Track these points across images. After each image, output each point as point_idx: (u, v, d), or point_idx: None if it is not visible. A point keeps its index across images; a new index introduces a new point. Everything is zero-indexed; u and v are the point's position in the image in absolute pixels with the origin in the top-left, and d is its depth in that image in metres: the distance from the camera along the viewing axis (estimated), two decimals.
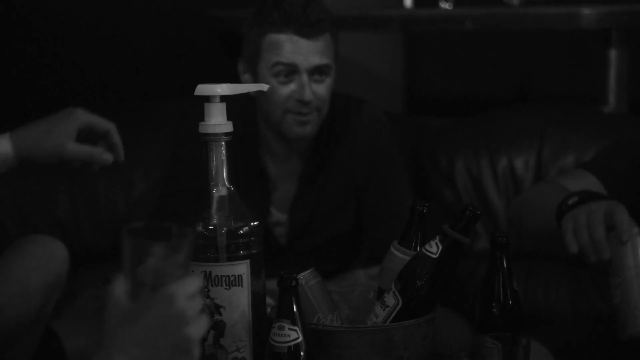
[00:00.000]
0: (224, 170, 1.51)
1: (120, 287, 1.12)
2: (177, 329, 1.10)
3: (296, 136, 2.23)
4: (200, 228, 1.49)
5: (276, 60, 2.18)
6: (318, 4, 2.22)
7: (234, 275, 1.49)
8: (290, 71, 2.18)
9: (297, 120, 2.20)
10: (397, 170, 2.39)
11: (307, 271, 1.61)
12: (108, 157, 1.59)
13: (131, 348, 1.09)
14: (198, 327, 1.12)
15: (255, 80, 2.22)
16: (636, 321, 1.62)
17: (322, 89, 2.21)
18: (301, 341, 1.45)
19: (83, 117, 1.61)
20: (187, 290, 1.12)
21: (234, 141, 1.53)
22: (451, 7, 3.24)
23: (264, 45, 2.19)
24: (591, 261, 1.69)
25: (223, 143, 1.50)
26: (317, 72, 2.19)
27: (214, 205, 1.50)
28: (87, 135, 1.71)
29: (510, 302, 1.57)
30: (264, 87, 1.67)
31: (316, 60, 2.18)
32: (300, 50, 2.17)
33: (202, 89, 1.54)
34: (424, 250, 1.54)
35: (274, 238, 2.34)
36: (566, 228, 1.74)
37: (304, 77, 2.18)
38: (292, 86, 2.19)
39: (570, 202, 1.80)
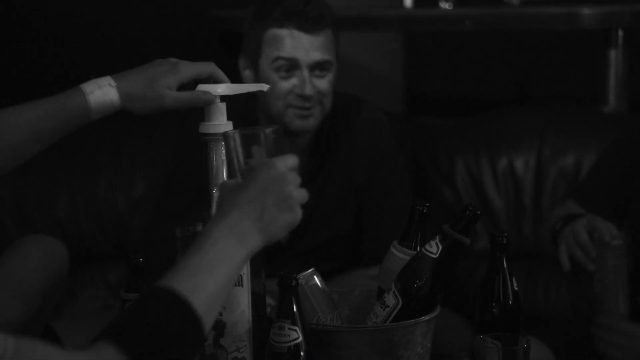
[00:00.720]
0: (224, 170, 1.51)
1: (227, 180, 1.40)
2: (280, 188, 1.32)
3: (298, 129, 2.23)
4: (200, 228, 1.49)
5: (277, 55, 2.18)
6: (319, 0, 2.23)
7: None
8: (291, 66, 2.19)
9: (299, 114, 2.21)
10: (398, 170, 2.39)
11: (307, 271, 1.62)
12: (209, 97, 1.56)
13: (243, 205, 1.29)
14: (299, 191, 1.35)
15: (257, 75, 2.22)
16: (612, 311, 2.02)
17: (323, 83, 2.21)
18: (301, 341, 1.45)
19: (186, 72, 1.58)
20: (285, 161, 1.34)
21: None
22: (451, 7, 3.24)
23: (265, 40, 2.20)
24: (588, 269, 2.04)
25: (223, 143, 1.50)
26: (318, 67, 2.20)
27: (214, 205, 1.50)
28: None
29: (510, 302, 1.56)
30: (264, 87, 1.67)
31: (317, 55, 2.18)
32: (301, 45, 2.17)
33: (203, 89, 1.55)
34: (424, 250, 1.54)
35: None
36: (560, 250, 2.09)
37: (305, 72, 2.18)
38: (293, 81, 2.19)
39: (557, 226, 2.14)
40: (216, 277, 1.25)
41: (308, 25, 2.17)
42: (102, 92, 1.57)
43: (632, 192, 2.22)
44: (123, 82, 1.58)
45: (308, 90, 2.17)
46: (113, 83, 1.58)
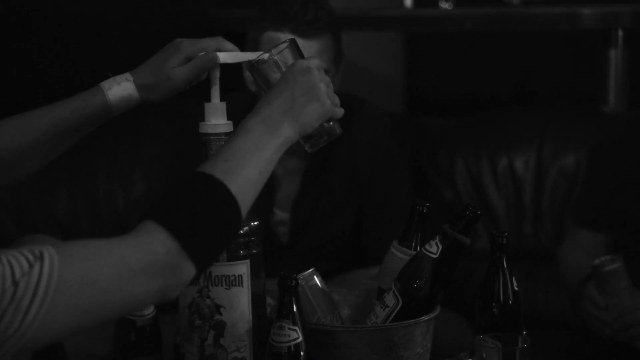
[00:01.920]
0: None
1: None
2: (306, 79, 1.39)
3: None
4: None
5: None
6: (318, 4, 2.22)
7: (234, 275, 1.50)
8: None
9: None
10: (399, 170, 2.40)
11: (307, 271, 1.62)
12: (211, 56, 1.57)
13: (273, 100, 1.37)
14: (324, 83, 1.40)
15: None
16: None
17: None
18: (301, 341, 1.45)
19: (189, 47, 1.60)
20: (308, 60, 1.43)
21: None
22: (451, 7, 3.24)
23: (262, 42, 2.20)
24: (607, 333, 2.04)
25: (223, 143, 1.50)
26: None
27: None
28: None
29: (510, 302, 1.57)
30: (265, 55, 1.68)
31: None
32: None
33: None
34: (424, 250, 1.54)
35: (276, 237, 2.34)
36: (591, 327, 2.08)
37: None
38: None
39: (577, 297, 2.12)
40: (249, 163, 1.30)
41: (303, 29, 2.17)
42: (120, 87, 1.61)
43: (617, 195, 2.24)
44: (138, 74, 1.62)
45: None
46: (130, 77, 1.61)
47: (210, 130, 1.51)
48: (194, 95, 1.67)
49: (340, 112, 1.45)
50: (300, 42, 2.17)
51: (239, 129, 1.35)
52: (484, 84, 3.56)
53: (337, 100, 1.44)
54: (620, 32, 2.89)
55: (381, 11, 3.30)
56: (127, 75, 1.62)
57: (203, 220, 1.22)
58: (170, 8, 3.17)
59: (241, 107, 2.19)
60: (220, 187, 1.25)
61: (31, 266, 1.09)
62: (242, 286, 1.50)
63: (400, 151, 2.48)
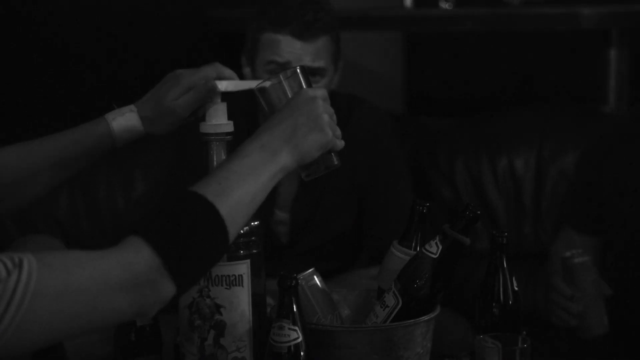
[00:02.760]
0: None
1: None
2: (310, 109, 1.39)
3: None
4: None
5: (270, 58, 2.20)
6: (317, 6, 2.22)
7: (235, 275, 1.50)
8: (284, 70, 2.19)
9: None
10: (399, 170, 2.40)
11: (307, 271, 1.62)
12: (210, 85, 1.56)
13: (275, 126, 1.36)
14: (327, 114, 1.41)
15: (254, 74, 2.24)
16: (600, 323, 2.05)
17: None
18: (301, 341, 1.45)
19: (188, 79, 1.60)
20: (314, 90, 1.43)
21: (241, 137, 1.54)
22: (451, 7, 3.24)
23: (261, 42, 2.21)
24: (571, 323, 2.10)
25: (224, 143, 1.50)
26: (310, 73, 2.19)
27: None
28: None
29: (510, 302, 1.57)
30: (266, 84, 1.67)
31: (309, 62, 2.19)
32: (294, 50, 2.18)
33: None
34: (424, 250, 1.54)
35: (276, 237, 2.34)
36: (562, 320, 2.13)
37: None
38: None
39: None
40: (242, 187, 1.29)
41: (302, 31, 2.18)
42: (125, 118, 1.61)
43: (610, 199, 2.24)
44: (141, 107, 1.62)
45: None
46: (134, 109, 1.62)
47: (211, 130, 1.51)
48: None
49: (340, 144, 1.43)
50: (298, 43, 2.20)
51: (237, 151, 1.33)
52: (484, 84, 3.56)
53: (338, 132, 1.43)
54: (620, 32, 2.89)
55: (381, 11, 3.30)
56: (132, 106, 1.62)
57: (188, 240, 1.22)
58: (169, 8, 3.17)
59: (241, 107, 2.19)
60: (210, 208, 1.24)
61: (9, 273, 1.08)
62: (242, 286, 1.50)
63: (400, 151, 2.48)
